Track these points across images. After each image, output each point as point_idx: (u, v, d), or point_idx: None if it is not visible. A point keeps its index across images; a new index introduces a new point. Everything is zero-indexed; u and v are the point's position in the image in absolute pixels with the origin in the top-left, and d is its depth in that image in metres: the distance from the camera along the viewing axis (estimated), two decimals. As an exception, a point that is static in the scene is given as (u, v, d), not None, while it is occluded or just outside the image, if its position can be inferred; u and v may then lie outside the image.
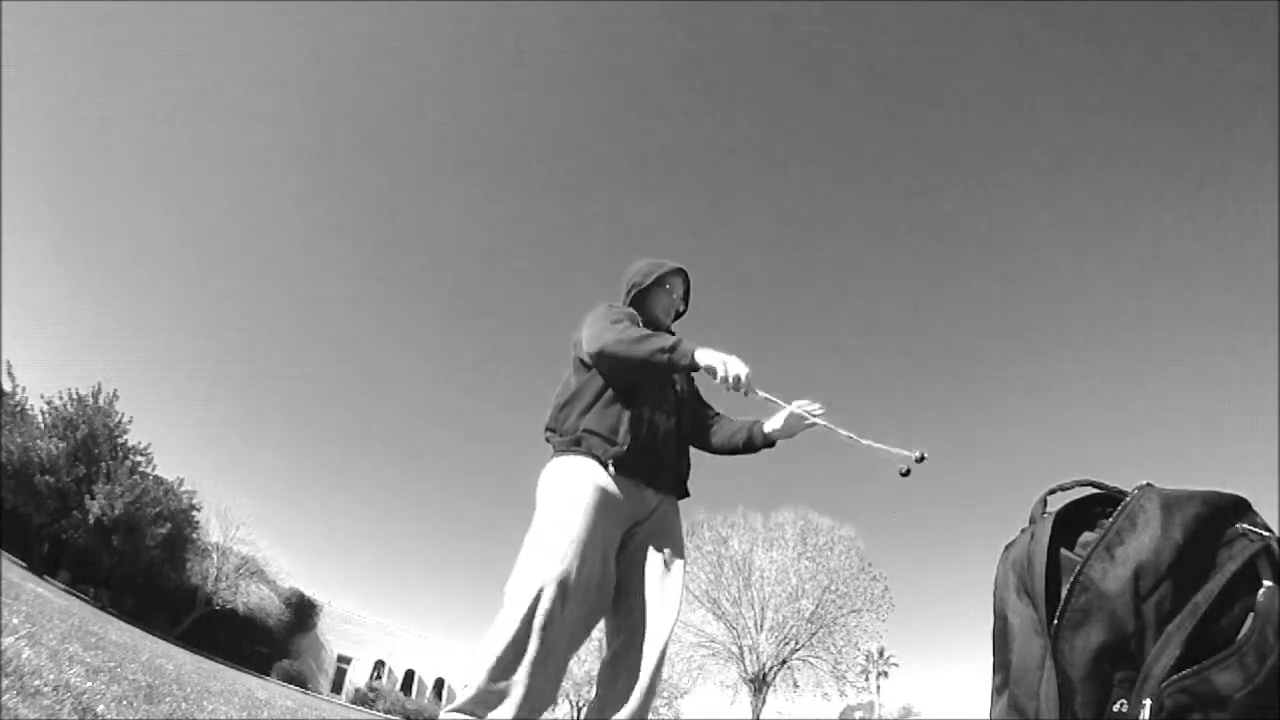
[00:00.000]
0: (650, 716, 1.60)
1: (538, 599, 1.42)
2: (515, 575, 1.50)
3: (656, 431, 1.76)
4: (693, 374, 1.90)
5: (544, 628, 1.41)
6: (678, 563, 1.71)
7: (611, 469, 1.65)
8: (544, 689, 1.42)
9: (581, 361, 1.79)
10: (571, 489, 1.60)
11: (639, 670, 1.56)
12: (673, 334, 1.90)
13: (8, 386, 19.85)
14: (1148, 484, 0.89)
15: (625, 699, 1.54)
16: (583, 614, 1.54)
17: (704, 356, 1.60)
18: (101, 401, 20.66)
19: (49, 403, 20.04)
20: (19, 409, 19.71)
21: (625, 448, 1.66)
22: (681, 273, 1.98)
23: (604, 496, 1.60)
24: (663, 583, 1.66)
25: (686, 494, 1.85)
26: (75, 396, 20.30)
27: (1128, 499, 0.89)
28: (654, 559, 1.69)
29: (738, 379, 1.58)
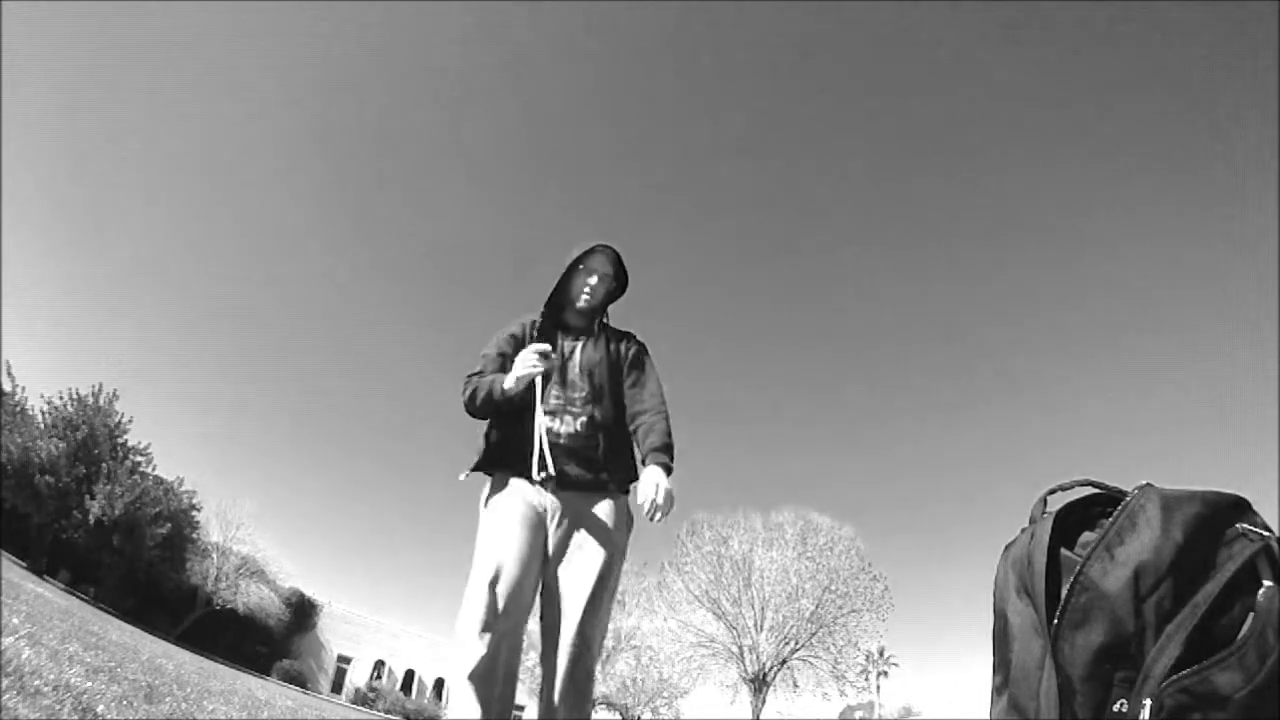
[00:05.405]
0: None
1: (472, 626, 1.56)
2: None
3: (554, 435, 1.78)
4: (598, 350, 1.94)
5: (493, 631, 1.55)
6: (594, 556, 1.70)
7: (501, 481, 1.78)
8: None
9: None
10: (485, 514, 1.77)
11: (554, 673, 1.63)
12: (593, 314, 2.01)
13: (8, 386, 19.87)
14: (1148, 484, 0.89)
15: (547, 699, 1.63)
16: (516, 620, 1.63)
17: (509, 380, 1.74)
18: (101, 402, 20.67)
19: (49, 403, 20.07)
20: (19, 409, 19.71)
21: (498, 457, 1.81)
22: (600, 251, 1.97)
23: (502, 511, 1.73)
24: (575, 579, 1.68)
25: (620, 487, 1.81)
26: (75, 396, 20.32)
27: (1128, 499, 0.89)
28: (571, 558, 1.71)
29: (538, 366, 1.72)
